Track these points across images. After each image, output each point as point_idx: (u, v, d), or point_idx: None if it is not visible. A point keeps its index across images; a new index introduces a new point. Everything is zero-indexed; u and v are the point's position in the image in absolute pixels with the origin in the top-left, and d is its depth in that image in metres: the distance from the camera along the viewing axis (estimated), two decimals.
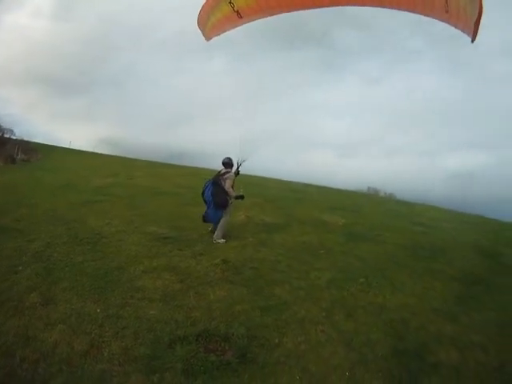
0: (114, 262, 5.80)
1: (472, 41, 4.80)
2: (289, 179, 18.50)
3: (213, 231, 7.85)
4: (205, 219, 7.96)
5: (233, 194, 7.77)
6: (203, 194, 7.92)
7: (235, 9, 5.91)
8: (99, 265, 5.65)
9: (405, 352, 4.21)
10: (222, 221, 7.82)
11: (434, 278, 6.55)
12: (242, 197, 7.87)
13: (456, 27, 4.84)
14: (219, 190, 7.70)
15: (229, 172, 7.88)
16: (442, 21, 4.89)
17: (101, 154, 21.48)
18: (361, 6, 5.31)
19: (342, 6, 5.53)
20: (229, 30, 6.41)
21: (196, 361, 3.58)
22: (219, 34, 6.59)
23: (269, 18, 6.23)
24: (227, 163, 8.06)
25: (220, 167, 8.10)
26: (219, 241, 7.62)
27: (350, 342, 4.24)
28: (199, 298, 4.86)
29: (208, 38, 6.71)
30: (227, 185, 7.69)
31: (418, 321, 4.97)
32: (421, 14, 4.97)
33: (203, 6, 6.18)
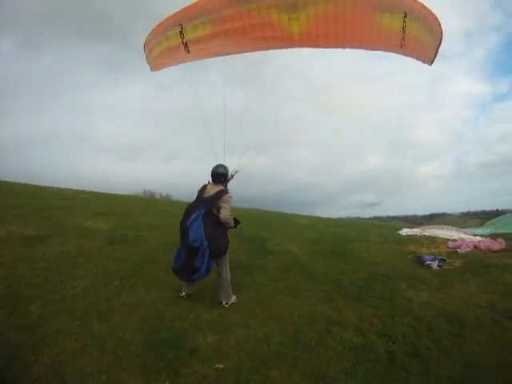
0: None
1: (430, 64, 5.66)
2: (65, 186, 16.68)
3: (187, 294, 5.56)
4: (186, 275, 5.29)
5: (231, 223, 5.35)
6: (186, 231, 5.08)
7: (184, 41, 5.28)
8: None
9: (160, 344, 4.44)
10: (222, 280, 5.52)
11: None
12: (239, 222, 5.56)
13: (410, 56, 5.41)
14: (216, 227, 5.16)
15: (224, 191, 5.36)
16: (396, 53, 5.24)
17: None
18: (315, 47, 5.06)
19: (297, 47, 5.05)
20: (173, 64, 6.05)
21: None
22: (167, 66, 6.20)
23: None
24: (222, 174, 5.47)
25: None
26: (232, 302, 5.57)
27: (104, 345, 4.35)
28: None
29: (155, 69, 6.40)
30: (227, 212, 5.18)
31: (173, 312, 5.24)
32: (378, 50, 5.16)
33: (153, 30, 5.78)
